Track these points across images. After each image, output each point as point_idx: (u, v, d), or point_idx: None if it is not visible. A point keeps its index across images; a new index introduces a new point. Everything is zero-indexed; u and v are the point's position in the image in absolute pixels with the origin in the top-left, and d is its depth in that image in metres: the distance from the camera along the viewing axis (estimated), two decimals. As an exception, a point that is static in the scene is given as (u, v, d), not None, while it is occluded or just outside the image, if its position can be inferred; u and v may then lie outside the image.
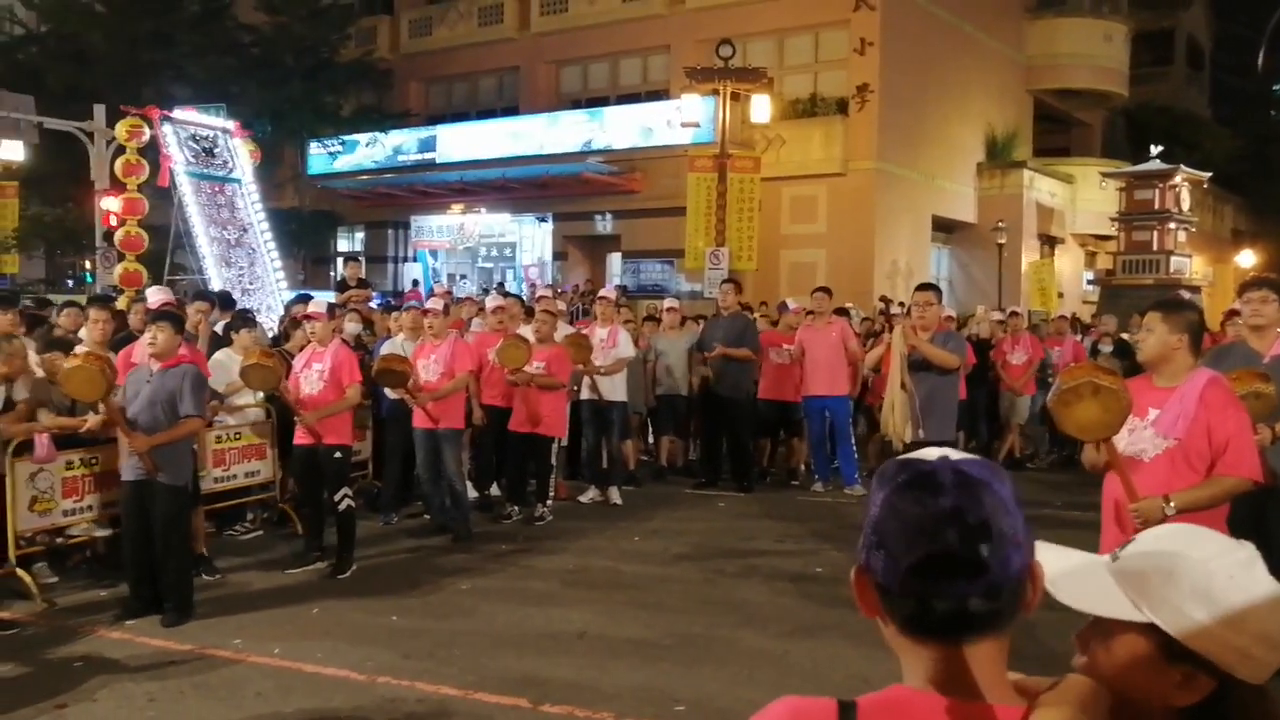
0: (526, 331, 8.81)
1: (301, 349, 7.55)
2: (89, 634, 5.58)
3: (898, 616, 1.11)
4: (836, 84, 20.35)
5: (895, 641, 1.14)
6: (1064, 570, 1.23)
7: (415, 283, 21.87)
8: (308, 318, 7.30)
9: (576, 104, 23.13)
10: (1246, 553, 1.20)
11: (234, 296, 10.88)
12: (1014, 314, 12.03)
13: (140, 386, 5.81)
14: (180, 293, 11.71)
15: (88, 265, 21.25)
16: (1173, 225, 20.79)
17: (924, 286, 6.83)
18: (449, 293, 13.84)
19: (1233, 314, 5.97)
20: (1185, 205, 21.13)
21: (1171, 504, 3.39)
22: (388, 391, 8.24)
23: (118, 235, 12.88)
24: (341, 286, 12.82)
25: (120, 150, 13.02)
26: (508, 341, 8.21)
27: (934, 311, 6.53)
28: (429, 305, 8.22)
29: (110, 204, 13.49)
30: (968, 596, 1.07)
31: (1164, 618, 1.18)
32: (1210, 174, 22.42)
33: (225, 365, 7.57)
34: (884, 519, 1.11)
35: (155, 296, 7.72)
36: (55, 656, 5.24)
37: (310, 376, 6.96)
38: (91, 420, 6.19)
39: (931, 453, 1.14)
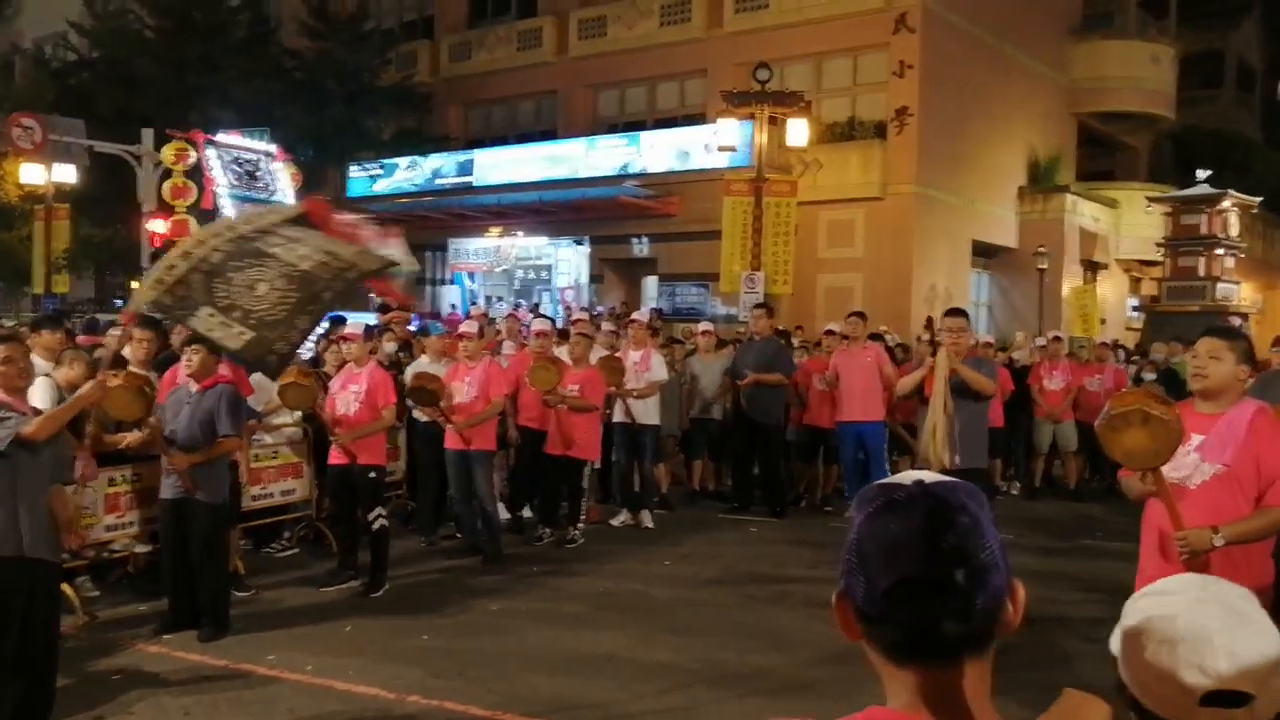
0: (562, 353, 8.85)
1: (338, 369, 7.65)
2: (128, 647, 5.68)
3: (878, 641, 1.12)
4: (875, 107, 20.30)
5: (878, 665, 1.14)
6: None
7: (454, 306, 22.03)
8: (343, 338, 7.41)
9: (614, 128, 23.25)
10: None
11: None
12: (1056, 339, 11.84)
13: (179, 407, 5.93)
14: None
15: (135, 285, 21.66)
16: (1220, 251, 20.43)
17: (955, 312, 6.67)
18: (485, 314, 13.93)
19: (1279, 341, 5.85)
20: (1233, 230, 20.76)
21: (1220, 535, 3.32)
22: (417, 414, 8.30)
23: (165, 256, 13.15)
24: (384, 308, 12.99)
25: (167, 173, 13.31)
26: (539, 364, 8.25)
27: (966, 338, 6.46)
28: (463, 329, 8.29)
29: (156, 225, 13.78)
30: (944, 619, 1.07)
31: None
32: (1260, 199, 22.01)
33: (264, 384, 7.66)
34: (860, 542, 1.12)
35: None
36: (95, 669, 5.34)
37: (346, 398, 7.05)
38: (130, 437, 6.31)
39: (906, 476, 1.15)
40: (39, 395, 5.23)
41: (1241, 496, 3.41)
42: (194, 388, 5.94)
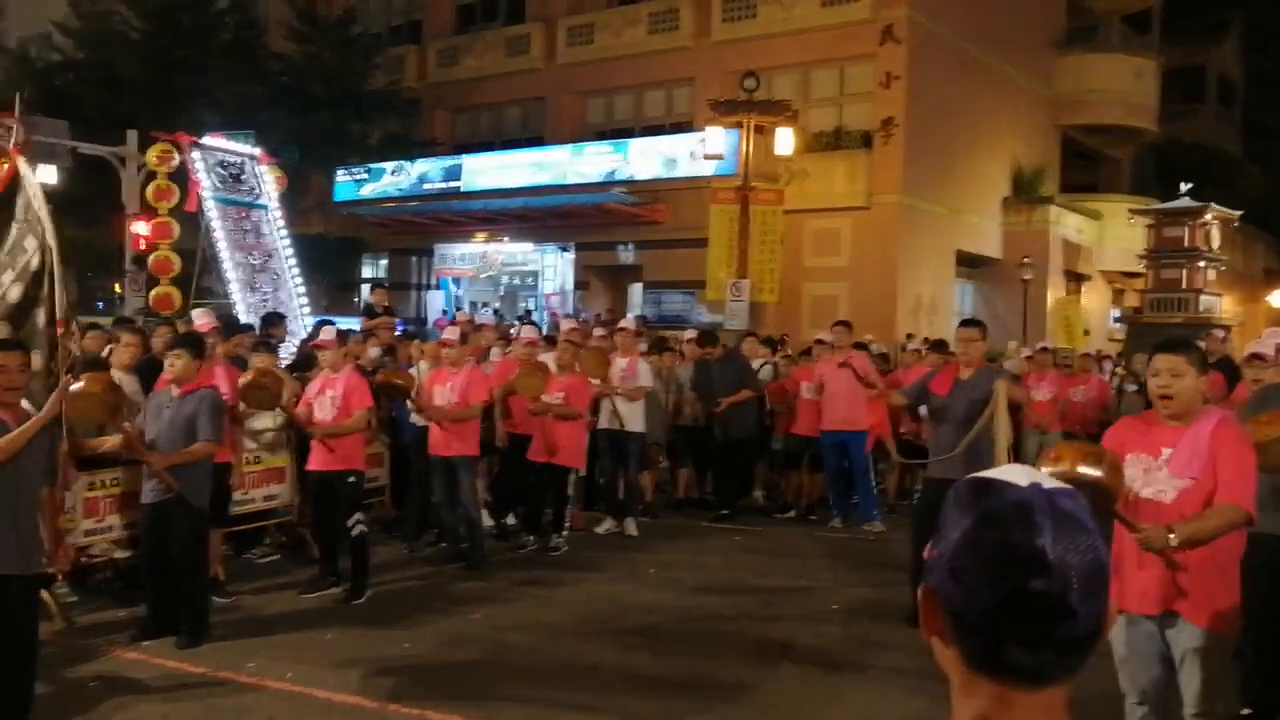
0: (549, 359, 8.83)
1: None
2: (106, 654, 5.62)
3: (968, 649, 1.03)
4: (861, 117, 20.38)
5: (955, 670, 1.06)
6: None
7: (444, 312, 21.98)
8: (318, 346, 7.38)
9: (601, 135, 23.26)
10: None
11: (250, 321, 10.89)
12: (1044, 350, 11.84)
13: (160, 411, 5.88)
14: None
15: (117, 288, 21.51)
16: (1202, 263, 20.56)
17: (970, 323, 6.78)
18: (471, 320, 13.90)
19: (1254, 357, 5.85)
20: (1215, 243, 20.91)
21: (1173, 535, 3.32)
22: (414, 419, 8.29)
23: (151, 259, 13.06)
24: (369, 313, 12.93)
25: (151, 175, 13.21)
26: (525, 371, 8.25)
27: (976, 348, 6.48)
28: (446, 335, 8.27)
29: (139, 228, 13.68)
30: (1049, 639, 0.99)
31: None
32: (1241, 212, 22.18)
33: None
34: (967, 545, 1.02)
35: (200, 320, 7.84)
36: (73, 676, 5.28)
37: (324, 403, 7.01)
38: (109, 442, 6.25)
39: (1018, 475, 1.05)
40: None
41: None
42: (175, 392, 5.89)
